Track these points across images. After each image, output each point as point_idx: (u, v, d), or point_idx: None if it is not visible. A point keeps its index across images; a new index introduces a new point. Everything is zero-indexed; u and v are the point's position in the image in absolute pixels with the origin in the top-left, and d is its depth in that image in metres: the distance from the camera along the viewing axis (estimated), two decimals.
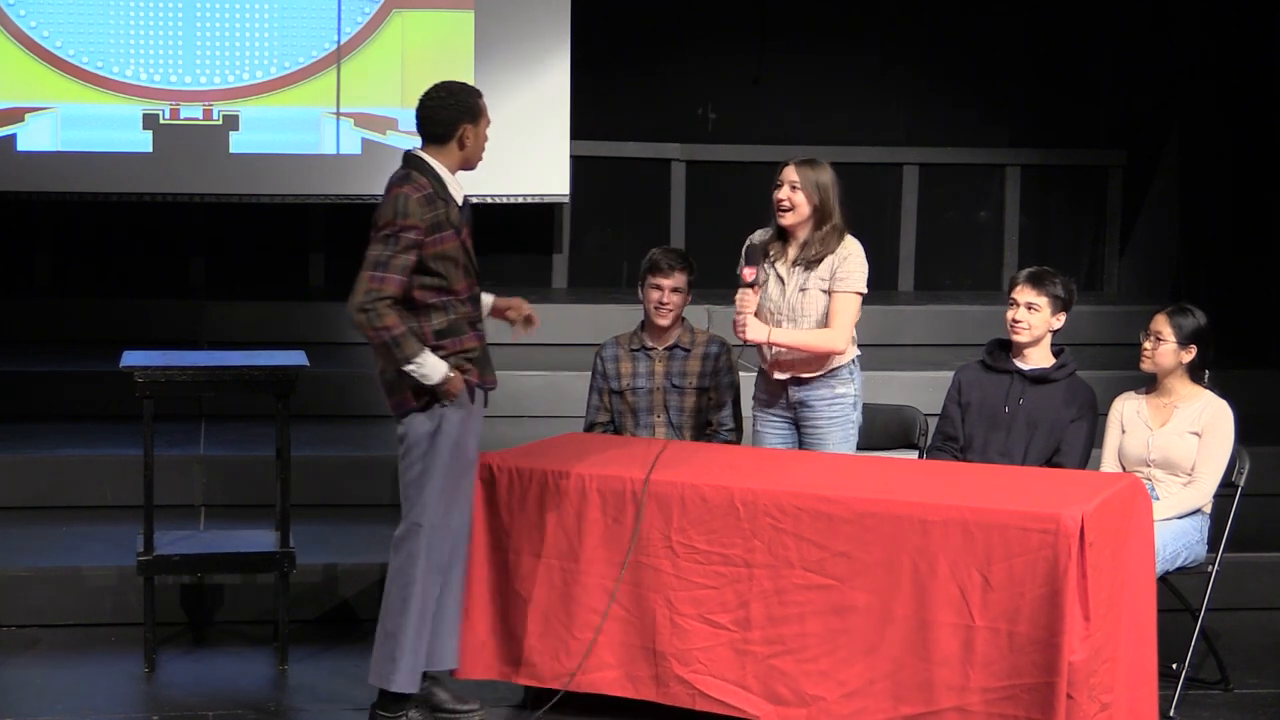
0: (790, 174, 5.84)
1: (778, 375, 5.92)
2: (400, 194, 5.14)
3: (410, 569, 5.18)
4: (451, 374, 5.15)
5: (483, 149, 5.31)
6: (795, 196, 5.83)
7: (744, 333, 5.75)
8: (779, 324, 5.86)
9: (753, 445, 6.06)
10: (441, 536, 5.22)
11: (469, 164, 5.30)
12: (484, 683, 5.56)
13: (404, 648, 5.17)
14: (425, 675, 5.34)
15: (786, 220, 5.85)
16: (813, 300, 5.82)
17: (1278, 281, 9.07)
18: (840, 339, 5.81)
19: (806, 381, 5.88)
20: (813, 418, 5.90)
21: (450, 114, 5.24)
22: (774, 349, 5.88)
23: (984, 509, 4.90)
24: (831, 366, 5.86)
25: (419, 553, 5.18)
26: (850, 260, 5.82)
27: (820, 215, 5.84)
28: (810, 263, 5.82)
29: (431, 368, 5.12)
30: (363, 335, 5.19)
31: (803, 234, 5.85)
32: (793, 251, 5.88)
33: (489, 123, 5.33)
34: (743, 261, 5.78)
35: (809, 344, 5.81)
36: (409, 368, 5.10)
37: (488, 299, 5.51)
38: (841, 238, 5.85)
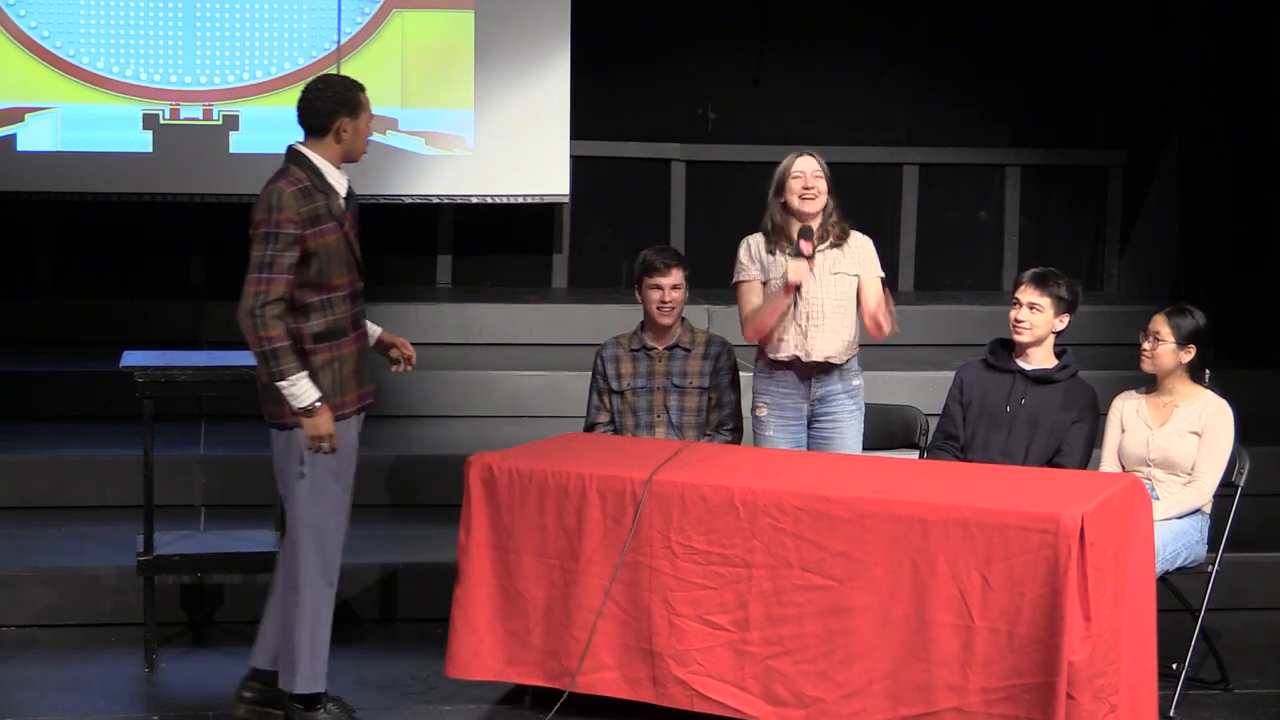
0: (810, 164, 5.97)
1: (816, 356, 5.95)
2: (274, 189, 5.11)
3: (299, 576, 5.21)
4: (318, 404, 5.07)
5: (364, 142, 5.27)
6: (819, 184, 5.97)
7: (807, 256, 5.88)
8: (813, 309, 5.93)
9: (758, 445, 6.08)
10: (331, 539, 5.25)
11: (350, 156, 5.26)
12: (484, 682, 5.57)
13: (301, 650, 5.20)
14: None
15: (811, 208, 5.96)
16: (845, 284, 5.97)
17: (1278, 281, 9.07)
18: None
19: (828, 376, 5.96)
20: (834, 411, 5.99)
21: (326, 106, 5.20)
22: (816, 334, 5.93)
23: (984, 509, 4.91)
24: (855, 351, 6.02)
25: (304, 558, 5.20)
26: (870, 247, 6.04)
27: (830, 199, 6.03)
28: (832, 246, 5.96)
29: (301, 392, 5.06)
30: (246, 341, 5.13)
31: (818, 218, 5.97)
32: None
33: (371, 117, 5.28)
34: (798, 238, 5.90)
35: (885, 299, 6.00)
36: (281, 384, 5.05)
37: (375, 330, 5.49)
38: (843, 220, 6.03)
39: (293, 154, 5.22)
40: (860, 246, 6.03)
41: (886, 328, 5.97)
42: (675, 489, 5.23)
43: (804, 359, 5.96)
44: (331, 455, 5.16)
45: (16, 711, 5.46)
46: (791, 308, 5.90)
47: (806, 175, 5.95)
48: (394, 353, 5.52)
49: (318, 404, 5.07)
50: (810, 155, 6.01)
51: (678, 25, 10.15)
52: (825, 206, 5.98)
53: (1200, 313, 5.87)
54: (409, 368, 5.55)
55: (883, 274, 6.06)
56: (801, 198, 5.94)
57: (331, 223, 5.15)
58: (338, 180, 5.23)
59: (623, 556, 5.25)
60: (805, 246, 5.87)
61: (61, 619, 6.24)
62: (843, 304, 5.96)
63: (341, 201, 5.22)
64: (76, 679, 5.77)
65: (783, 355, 6.00)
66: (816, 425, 6.01)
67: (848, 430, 6.00)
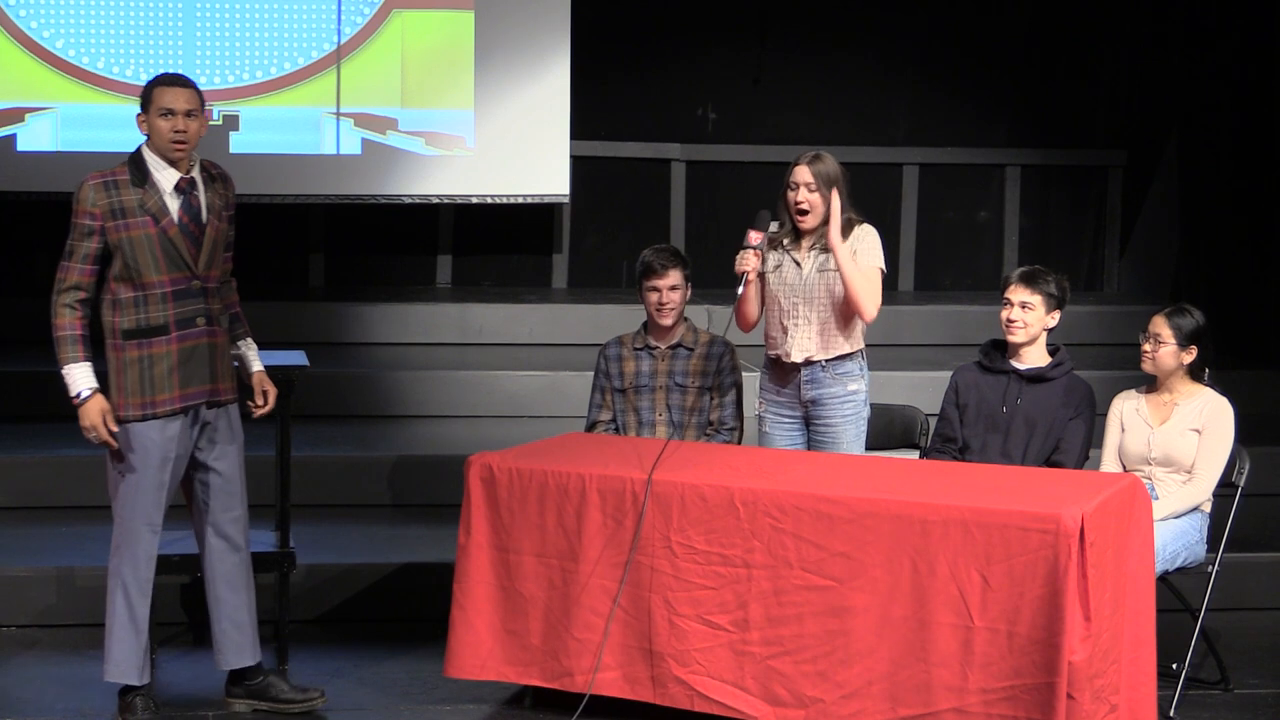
0: (803, 174, 5.86)
1: (795, 357, 5.91)
2: (81, 182, 5.24)
3: (115, 567, 5.31)
4: (86, 393, 5.18)
5: (160, 137, 5.24)
6: (813, 198, 5.85)
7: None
8: (795, 307, 5.88)
9: (759, 443, 6.07)
10: (138, 536, 5.29)
11: (161, 153, 5.26)
12: (483, 682, 5.57)
13: (112, 640, 5.30)
14: (259, 670, 5.46)
15: (807, 223, 5.88)
16: (831, 280, 5.85)
17: (1278, 281, 9.07)
18: (874, 305, 5.83)
19: (820, 378, 5.90)
20: (826, 415, 5.92)
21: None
22: (795, 333, 5.88)
23: (984, 509, 4.90)
24: (843, 351, 5.89)
25: (118, 551, 5.30)
26: (869, 239, 5.87)
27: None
28: (827, 250, 5.86)
29: (72, 381, 5.21)
30: None
31: (819, 227, 5.89)
32: (808, 240, 5.91)
33: (165, 109, 5.23)
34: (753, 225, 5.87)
35: (857, 280, 5.77)
36: (61, 371, 5.21)
37: (253, 362, 5.53)
38: (854, 225, 5.90)
39: (136, 148, 5.31)
40: (856, 238, 5.86)
41: (859, 307, 5.80)
42: (675, 489, 5.23)
43: (784, 359, 5.96)
44: (146, 454, 5.23)
45: (16, 711, 5.46)
46: (751, 294, 5.87)
47: (800, 188, 5.86)
48: (258, 398, 5.53)
49: (84, 393, 5.19)
50: (805, 165, 5.86)
51: (678, 25, 10.15)
52: (825, 215, 5.84)
53: (1199, 312, 5.87)
54: (256, 414, 5.57)
55: (881, 265, 5.88)
56: (797, 213, 5.88)
57: (143, 217, 5.20)
58: (166, 176, 5.25)
59: (630, 559, 5.25)
60: (752, 236, 5.81)
61: (61, 619, 6.25)
62: (827, 303, 5.88)
63: (167, 198, 5.24)
64: (76, 679, 5.77)
65: (771, 353, 6.01)
66: (812, 427, 5.99)
67: (841, 435, 5.91)
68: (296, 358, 6.06)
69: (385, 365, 8.63)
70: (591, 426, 6.36)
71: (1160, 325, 5.83)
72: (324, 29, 9.43)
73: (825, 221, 5.84)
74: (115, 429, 5.22)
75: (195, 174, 5.32)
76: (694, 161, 10.26)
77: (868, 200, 10.00)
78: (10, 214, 9.39)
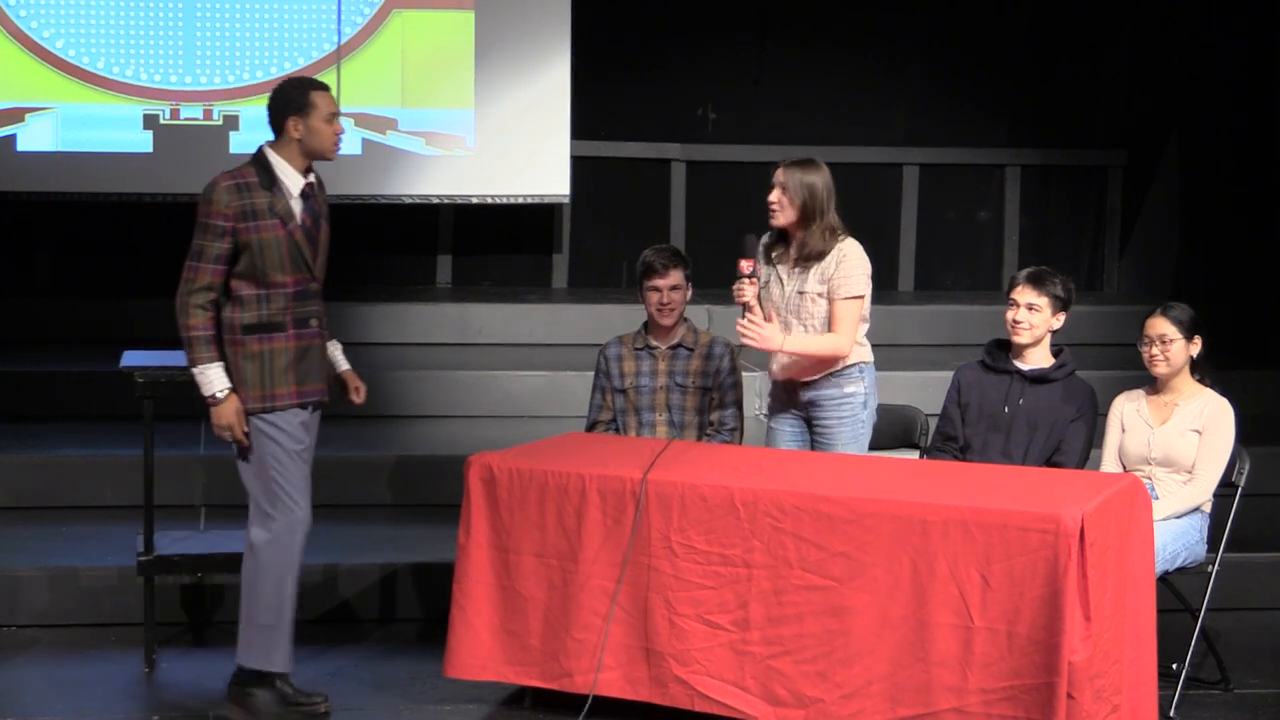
0: (779, 175, 5.85)
1: (777, 376, 5.93)
2: (211, 183, 5.27)
3: (271, 558, 5.31)
4: (221, 394, 5.22)
5: (325, 141, 5.32)
6: (783, 198, 5.83)
7: (755, 341, 5.75)
8: (787, 323, 5.87)
9: (765, 443, 6.06)
10: (287, 523, 5.32)
11: (313, 155, 5.34)
12: (483, 682, 5.57)
13: (254, 630, 5.34)
14: (266, 674, 5.45)
15: (776, 221, 5.88)
16: (811, 304, 5.83)
17: (1278, 282, 9.07)
18: (844, 343, 5.81)
19: (813, 382, 5.89)
20: (822, 417, 5.90)
21: (276, 107, 5.33)
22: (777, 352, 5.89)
23: (984, 509, 4.90)
24: (834, 369, 5.87)
25: (273, 544, 5.31)
26: (845, 264, 5.80)
27: (806, 216, 5.82)
28: (807, 261, 5.83)
29: (208, 381, 5.24)
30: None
31: (798, 234, 5.86)
32: (792, 252, 5.89)
33: (332, 114, 5.32)
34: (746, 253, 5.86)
35: (814, 351, 5.81)
36: (193, 370, 5.24)
37: (343, 364, 5.62)
38: (835, 237, 5.83)
39: (257, 151, 5.34)
40: (833, 262, 5.81)
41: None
42: (675, 489, 5.23)
43: (774, 376, 5.95)
44: (280, 442, 5.28)
45: (16, 711, 5.46)
46: (756, 316, 5.80)
47: (775, 188, 5.83)
48: (352, 394, 5.62)
49: (220, 394, 5.24)
50: (784, 167, 5.84)
51: (678, 25, 10.16)
52: (798, 222, 5.80)
53: (1186, 305, 5.92)
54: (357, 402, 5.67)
55: (858, 292, 5.81)
56: (769, 212, 5.87)
57: (272, 220, 5.26)
58: (293, 180, 5.32)
59: (627, 559, 5.25)
60: (744, 265, 5.77)
61: (61, 619, 6.24)
62: (809, 324, 5.84)
63: (293, 202, 5.30)
64: (76, 679, 5.77)
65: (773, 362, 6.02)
66: (812, 428, 5.98)
67: (836, 436, 5.88)
68: None
69: (385, 365, 8.63)
70: (592, 426, 6.36)
71: (1163, 325, 5.83)
72: (324, 29, 9.43)
73: (805, 227, 5.80)
74: (247, 428, 5.28)
75: (313, 178, 5.40)
76: (694, 161, 10.26)
77: (868, 200, 10.09)
78: (10, 214, 9.39)
